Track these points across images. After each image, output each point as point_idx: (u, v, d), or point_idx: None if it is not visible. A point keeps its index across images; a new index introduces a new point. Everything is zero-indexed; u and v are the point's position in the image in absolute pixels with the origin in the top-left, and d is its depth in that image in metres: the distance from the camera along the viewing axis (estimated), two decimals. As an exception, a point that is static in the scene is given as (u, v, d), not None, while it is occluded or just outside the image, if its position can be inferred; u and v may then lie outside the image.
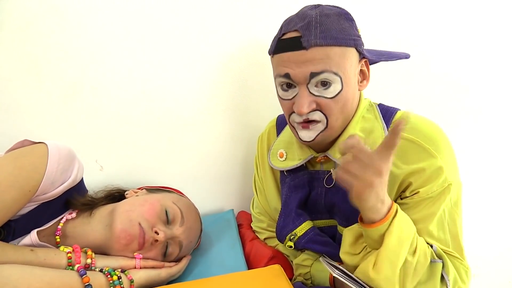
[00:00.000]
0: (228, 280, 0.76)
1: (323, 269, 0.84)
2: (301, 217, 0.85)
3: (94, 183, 1.05)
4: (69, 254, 0.70)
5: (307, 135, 0.75)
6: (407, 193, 0.75)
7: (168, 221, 0.80)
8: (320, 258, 0.69)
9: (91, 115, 1.06)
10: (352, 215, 0.75)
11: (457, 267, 0.74)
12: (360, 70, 0.77)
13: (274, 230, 0.96)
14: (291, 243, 0.86)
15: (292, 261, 0.92)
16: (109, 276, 0.69)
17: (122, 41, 1.03)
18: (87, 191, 0.88)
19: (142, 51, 1.05)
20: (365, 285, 0.67)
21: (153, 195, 0.85)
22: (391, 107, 0.84)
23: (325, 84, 0.70)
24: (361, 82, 0.78)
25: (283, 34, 0.73)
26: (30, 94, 1.01)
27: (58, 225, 0.77)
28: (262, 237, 1.00)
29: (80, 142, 1.05)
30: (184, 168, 1.14)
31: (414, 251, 0.68)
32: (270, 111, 1.11)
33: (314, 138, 0.75)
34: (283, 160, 0.87)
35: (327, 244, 0.85)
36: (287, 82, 0.73)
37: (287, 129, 0.91)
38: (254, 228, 1.03)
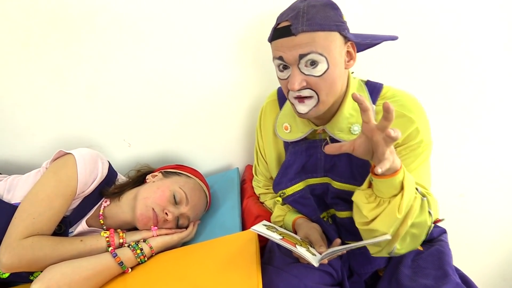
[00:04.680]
0: (210, 245, 1.04)
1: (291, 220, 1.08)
2: (295, 180, 1.05)
3: (126, 158, 1.34)
4: (107, 238, 1.02)
5: (302, 108, 0.90)
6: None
7: (176, 202, 1.07)
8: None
9: (115, 102, 1.28)
10: (347, 172, 0.97)
11: (432, 201, 0.92)
12: (347, 51, 0.88)
13: (268, 187, 1.21)
14: (280, 199, 1.09)
15: None
16: (134, 251, 1.00)
17: (140, 28, 1.19)
18: (116, 175, 1.16)
19: (161, 37, 1.20)
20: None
21: (166, 180, 1.10)
22: (377, 83, 0.97)
23: (313, 63, 0.84)
24: (348, 62, 0.90)
25: (278, 24, 0.86)
26: (58, 95, 1.25)
27: (99, 211, 1.08)
28: (257, 192, 1.24)
29: (108, 126, 1.31)
30: (199, 134, 1.36)
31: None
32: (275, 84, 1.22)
33: (308, 112, 0.90)
34: (288, 132, 1.04)
35: (306, 206, 1.06)
36: (282, 64, 0.88)
37: (288, 103, 1.06)
38: (253, 184, 1.27)
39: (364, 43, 0.92)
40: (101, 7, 1.14)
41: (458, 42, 1.25)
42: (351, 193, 0.89)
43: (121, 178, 1.18)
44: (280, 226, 1.11)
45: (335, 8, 0.85)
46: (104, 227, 1.09)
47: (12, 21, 1.13)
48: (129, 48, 1.21)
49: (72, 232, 1.05)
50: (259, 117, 1.16)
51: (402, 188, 0.79)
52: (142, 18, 1.17)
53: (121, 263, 0.97)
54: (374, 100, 0.94)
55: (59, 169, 1.02)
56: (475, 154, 1.46)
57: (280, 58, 0.86)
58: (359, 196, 0.85)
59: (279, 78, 0.92)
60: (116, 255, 0.97)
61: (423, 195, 0.87)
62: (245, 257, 0.95)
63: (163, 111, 1.32)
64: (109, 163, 1.14)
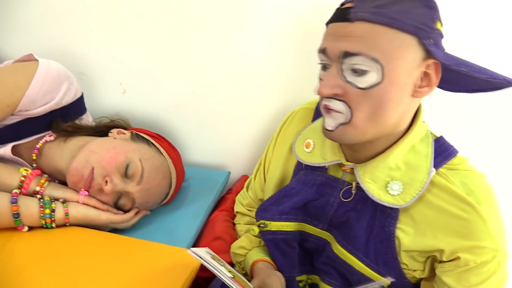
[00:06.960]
0: (137, 245, 0.77)
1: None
2: (288, 216, 0.76)
3: (113, 104, 1.11)
4: (22, 178, 0.77)
5: (328, 122, 0.64)
6: (444, 258, 0.65)
7: (126, 175, 0.81)
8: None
9: (128, 38, 1.05)
10: (360, 240, 0.68)
11: None
12: (424, 72, 0.60)
13: (251, 209, 0.93)
14: (256, 230, 0.79)
15: None
16: (42, 208, 0.74)
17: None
18: (82, 113, 0.93)
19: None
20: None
21: (129, 144, 0.85)
22: (452, 146, 0.69)
23: (358, 71, 0.59)
24: (419, 87, 0.61)
25: (342, 4, 0.64)
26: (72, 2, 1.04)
27: (37, 143, 0.84)
28: (236, 209, 0.96)
29: (110, 61, 1.08)
30: (203, 116, 1.09)
31: None
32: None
33: (334, 129, 0.64)
34: (308, 152, 0.77)
35: (285, 256, 0.77)
36: (324, 59, 0.63)
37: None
38: (237, 198, 0.98)
39: (458, 70, 0.59)
40: None
41: None
42: (352, 269, 0.69)
43: (87, 120, 0.94)
44: (236, 264, 0.82)
45: (430, 7, 0.59)
46: (34, 165, 0.85)
47: None
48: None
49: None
50: (283, 122, 0.89)
51: None
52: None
53: (16, 215, 0.71)
54: (436, 165, 0.65)
55: (12, 72, 0.81)
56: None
57: (324, 51, 0.62)
58: None
59: (319, 77, 0.66)
60: (16, 202, 0.72)
61: None
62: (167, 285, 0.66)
63: (178, 71, 1.06)
64: (82, 96, 0.91)
